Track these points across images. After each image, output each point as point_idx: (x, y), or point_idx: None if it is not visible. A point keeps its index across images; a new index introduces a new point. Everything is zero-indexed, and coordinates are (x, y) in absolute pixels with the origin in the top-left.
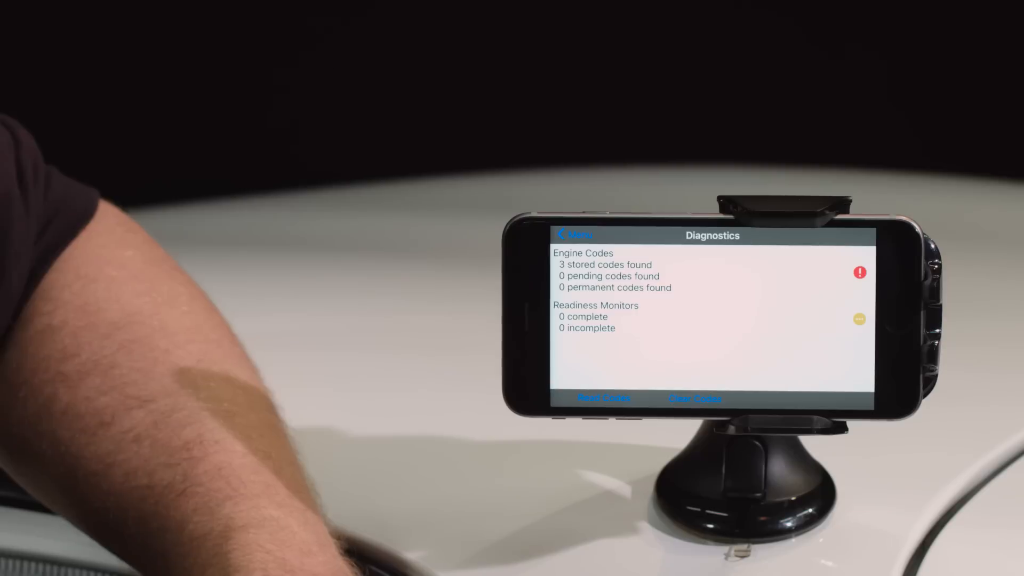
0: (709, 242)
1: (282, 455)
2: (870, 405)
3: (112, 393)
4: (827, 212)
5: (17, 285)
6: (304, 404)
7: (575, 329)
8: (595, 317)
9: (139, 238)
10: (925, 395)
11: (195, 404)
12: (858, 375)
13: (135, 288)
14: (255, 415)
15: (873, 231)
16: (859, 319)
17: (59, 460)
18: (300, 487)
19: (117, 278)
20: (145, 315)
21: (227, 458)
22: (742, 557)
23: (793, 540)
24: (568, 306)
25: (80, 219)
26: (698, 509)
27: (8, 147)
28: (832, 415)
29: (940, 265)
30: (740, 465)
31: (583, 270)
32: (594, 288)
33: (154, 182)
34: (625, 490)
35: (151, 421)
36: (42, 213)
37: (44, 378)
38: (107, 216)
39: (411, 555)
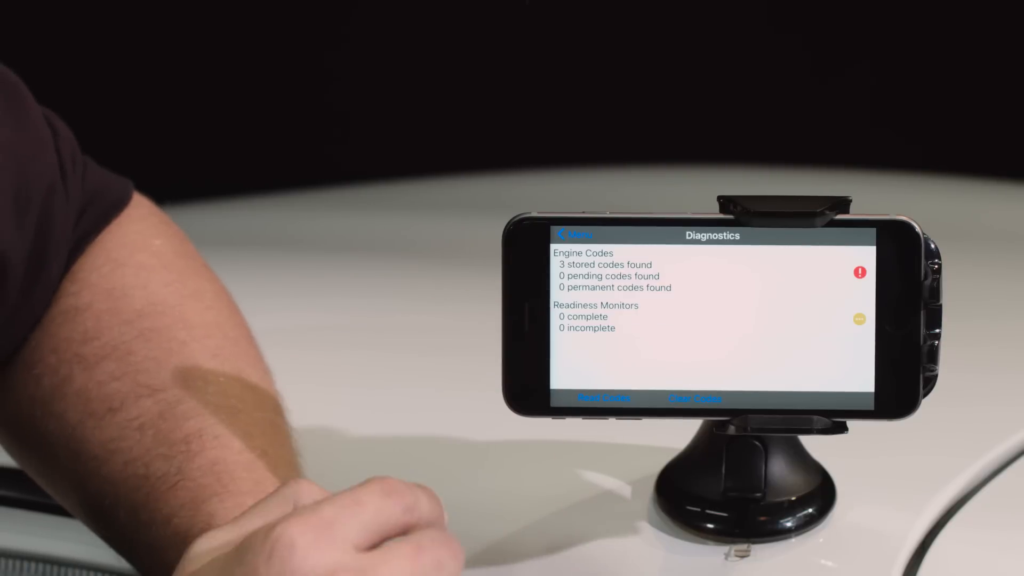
0: (709, 242)
1: (280, 455)
2: (870, 405)
3: (124, 379)
4: (827, 212)
5: (56, 273)
6: (303, 403)
7: (575, 329)
8: (595, 317)
9: (171, 230)
10: (925, 395)
11: (202, 398)
12: (858, 375)
13: (163, 278)
14: (260, 414)
15: (873, 231)
16: (859, 319)
17: (65, 442)
18: None
19: (147, 265)
20: (169, 305)
21: (223, 454)
22: (742, 557)
23: (793, 540)
24: (568, 306)
25: (114, 207)
26: (698, 509)
27: (49, 139)
28: (832, 415)
29: (940, 265)
30: (740, 465)
31: (583, 270)
32: (594, 288)
33: (153, 182)
34: (625, 490)
35: (157, 411)
36: (79, 201)
37: (62, 358)
38: (141, 206)
39: None
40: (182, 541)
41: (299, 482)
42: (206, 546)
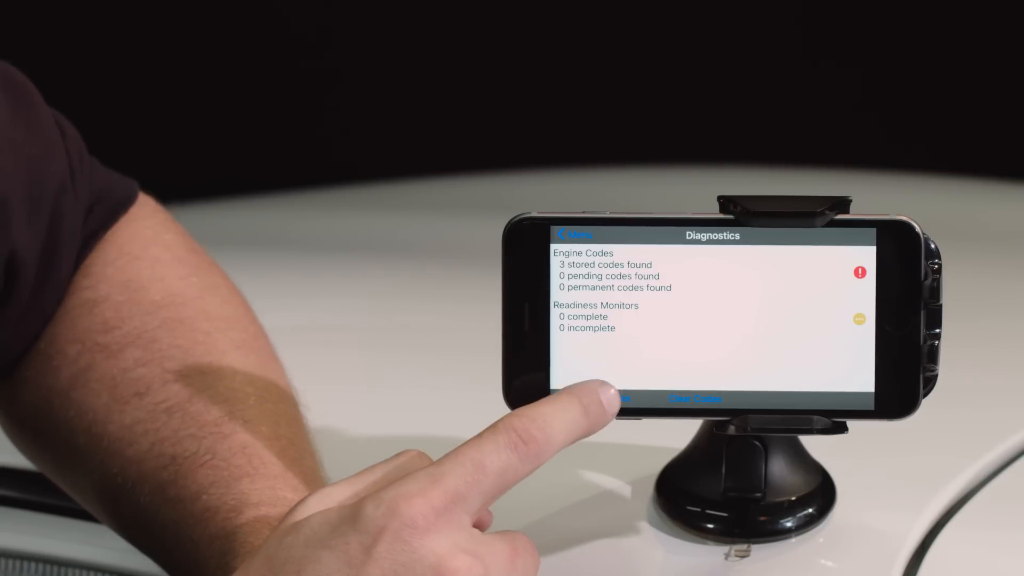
0: (709, 242)
1: (303, 446)
2: (870, 405)
3: (150, 365)
4: (827, 212)
5: (66, 272)
6: (303, 403)
7: (575, 329)
8: (595, 317)
9: (179, 228)
10: (925, 395)
11: (229, 385)
12: (858, 375)
13: (178, 271)
14: (284, 406)
15: (873, 231)
16: (859, 319)
17: (86, 427)
18: (316, 477)
19: (161, 259)
20: (188, 298)
21: (252, 438)
22: (742, 557)
23: (793, 540)
24: (568, 306)
25: (122, 205)
26: (698, 509)
27: (59, 140)
28: (832, 415)
29: (940, 265)
30: (740, 465)
31: (583, 270)
32: (594, 288)
33: (154, 182)
34: (625, 490)
35: (186, 395)
36: (87, 200)
37: (81, 348)
38: (147, 205)
39: None
40: (211, 516)
41: (410, 451)
42: (319, 503)
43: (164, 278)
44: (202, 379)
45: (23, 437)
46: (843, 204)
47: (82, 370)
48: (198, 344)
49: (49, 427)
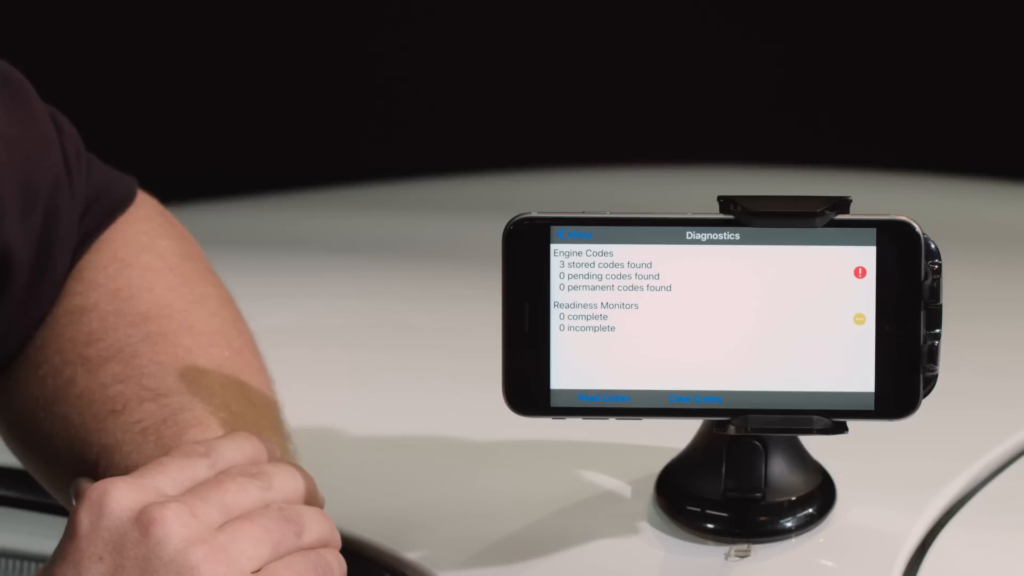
0: (709, 242)
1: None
2: (870, 405)
3: (129, 382)
4: (827, 212)
5: (61, 270)
6: (304, 404)
7: (575, 329)
8: (595, 317)
9: (177, 231)
10: (925, 395)
11: (205, 408)
12: (858, 375)
13: (169, 281)
14: (258, 428)
15: (873, 231)
16: (859, 319)
17: (68, 445)
18: None
19: (153, 267)
20: (175, 310)
21: None
22: (742, 557)
23: (793, 540)
24: (568, 306)
25: (119, 205)
26: (698, 509)
27: (54, 136)
28: (832, 415)
29: (940, 265)
30: (740, 465)
31: (583, 270)
32: (594, 288)
33: (154, 181)
34: (625, 490)
35: (161, 417)
36: (84, 198)
37: (66, 359)
38: (146, 205)
39: (411, 555)
40: None
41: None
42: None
43: (153, 288)
44: (178, 400)
45: (14, 441)
46: (843, 204)
47: (64, 383)
48: (178, 361)
49: (37, 437)
